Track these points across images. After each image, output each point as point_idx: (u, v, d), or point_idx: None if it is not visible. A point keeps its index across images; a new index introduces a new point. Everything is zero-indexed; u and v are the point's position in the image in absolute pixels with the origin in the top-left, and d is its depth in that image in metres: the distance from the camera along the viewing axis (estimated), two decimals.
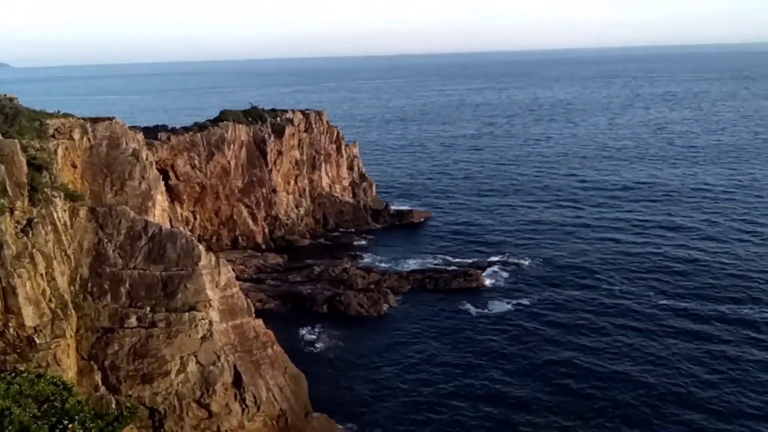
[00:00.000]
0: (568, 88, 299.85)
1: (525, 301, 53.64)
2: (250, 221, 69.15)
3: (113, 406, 28.35)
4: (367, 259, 65.72)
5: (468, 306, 53.08)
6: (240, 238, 68.22)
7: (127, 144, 41.78)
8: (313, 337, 48.32)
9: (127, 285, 31.40)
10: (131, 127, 47.12)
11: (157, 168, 49.40)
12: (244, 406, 32.83)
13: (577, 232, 71.31)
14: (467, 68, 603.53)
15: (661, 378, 40.51)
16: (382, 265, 63.44)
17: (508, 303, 53.50)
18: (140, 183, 41.28)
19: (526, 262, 62.26)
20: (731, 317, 48.78)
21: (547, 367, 42.53)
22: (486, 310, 52.22)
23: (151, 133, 63.05)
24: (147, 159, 43.39)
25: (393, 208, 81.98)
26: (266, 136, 71.58)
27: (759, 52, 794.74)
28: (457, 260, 63.93)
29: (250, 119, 72.44)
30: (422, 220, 78.67)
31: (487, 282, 57.83)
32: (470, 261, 63.36)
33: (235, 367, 33.34)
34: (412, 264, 63.60)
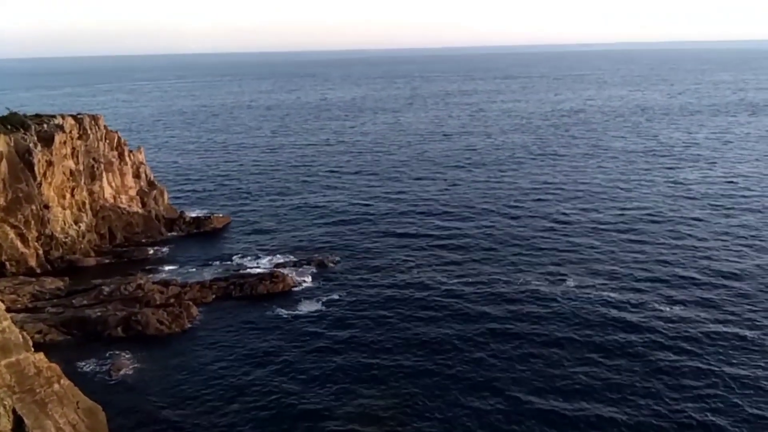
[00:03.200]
0: (356, 88, 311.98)
1: (335, 296, 54.41)
2: (18, 243, 60.43)
3: None
4: (164, 272, 61.39)
5: (278, 309, 52.25)
6: (8, 263, 59.27)
7: None
8: (109, 364, 43.76)
9: None
10: None
11: None
12: None
13: (371, 225, 74.26)
14: (258, 68, 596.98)
15: (450, 363, 43.80)
16: (182, 276, 59.77)
17: (317, 301, 53.74)
18: None
19: (331, 259, 63.15)
20: (494, 294, 54.61)
21: (359, 369, 43.37)
22: (297, 312, 51.88)
23: None
24: None
25: (189, 215, 77.70)
26: (31, 145, 63.05)
27: (520, 53, 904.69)
28: (263, 263, 62.71)
29: (9, 127, 63.16)
30: (222, 225, 75.75)
31: (295, 283, 57.54)
32: (276, 263, 62.60)
33: (14, 411, 28.86)
34: (214, 272, 60.87)
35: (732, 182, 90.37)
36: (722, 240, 65.67)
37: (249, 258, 64.64)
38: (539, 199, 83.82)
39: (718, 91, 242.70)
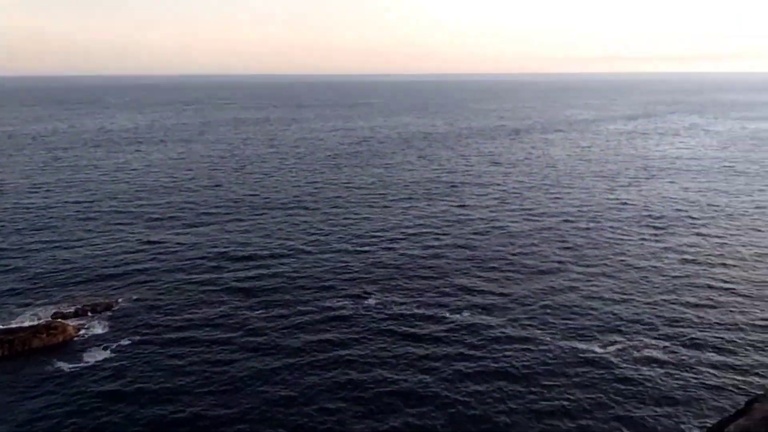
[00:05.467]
0: (141, 115, 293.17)
1: (125, 342, 49.83)
2: None
3: None
4: None
5: (59, 364, 46.26)
6: None
7: None
8: None
9: None
10: None
11: None
12: None
13: (163, 268, 69.55)
14: (18, 93, 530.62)
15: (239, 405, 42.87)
16: None
17: (105, 349, 48.76)
18: None
19: (118, 300, 57.93)
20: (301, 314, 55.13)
21: (156, 418, 40.31)
22: (81, 364, 46.42)
23: None
24: None
25: None
26: None
27: (305, 83, 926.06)
28: (36, 314, 55.13)
29: None
30: None
31: (78, 331, 51.56)
32: (53, 312, 55.51)
33: None
34: None
35: (502, 202, 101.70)
36: (497, 256, 73.29)
37: (18, 309, 56.45)
38: (336, 225, 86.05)
39: (486, 118, 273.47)
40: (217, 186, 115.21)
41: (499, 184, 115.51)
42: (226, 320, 54.26)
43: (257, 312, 56.09)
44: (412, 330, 51.89)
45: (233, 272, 66.71)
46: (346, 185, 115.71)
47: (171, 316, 55.23)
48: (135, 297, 59.54)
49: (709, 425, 35.06)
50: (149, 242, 77.83)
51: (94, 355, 47.81)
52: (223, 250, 74.67)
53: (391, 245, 76.29)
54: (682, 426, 38.60)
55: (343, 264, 69.13)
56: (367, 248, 75.05)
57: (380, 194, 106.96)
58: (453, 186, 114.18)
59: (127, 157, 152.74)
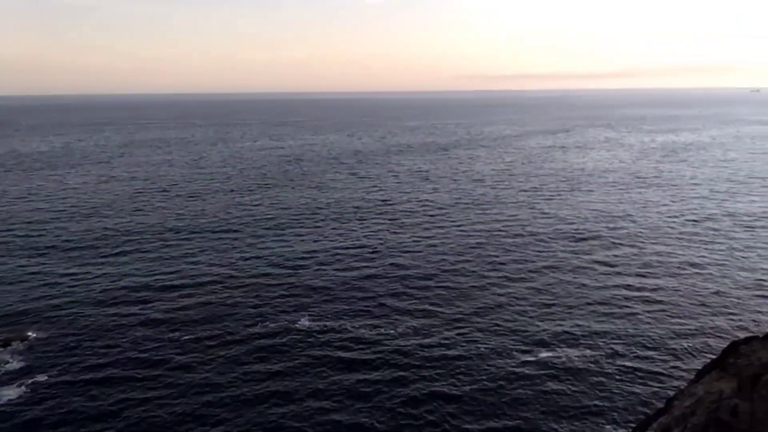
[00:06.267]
0: (55, 137, 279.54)
1: (42, 378, 46.89)
2: None
3: None
4: None
5: None
6: None
7: None
8: None
9: None
10: None
11: None
12: None
13: (80, 299, 66.23)
14: None
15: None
16: None
17: (20, 386, 45.74)
18: None
19: (32, 335, 54.50)
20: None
21: None
22: None
23: None
24: None
25: None
26: None
27: (231, 101, 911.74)
28: None
29: None
30: None
31: None
32: None
33: None
34: None
35: (432, 218, 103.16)
36: (429, 274, 74.08)
37: None
38: (265, 247, 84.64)
39: (414, 134, 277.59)
40: (138, 211, 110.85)
41: (428, 200, 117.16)
42: (150, 355, 51.92)
43: (183, 345, 54.06)
44: (347, 356, 51.40)
45: (157, 302, 64.01)
46: (274, 206, 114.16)
47: (91, 351, 52.35)
48: (51, 331, 56.14)
49: (632, 427, 36.44)
50: (66, 273, 73.74)
51: (8, 393, 44.72)
52: (145, 279, 71.60)
53: (322, 267, 75.59)
54: (609, 430, 40.01)
55: (273, 289, 67.83)
56: (297, 271, 74.04)
57: (310, 214, 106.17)
58: (383, 203, 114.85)
59: (40, 182, 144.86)
